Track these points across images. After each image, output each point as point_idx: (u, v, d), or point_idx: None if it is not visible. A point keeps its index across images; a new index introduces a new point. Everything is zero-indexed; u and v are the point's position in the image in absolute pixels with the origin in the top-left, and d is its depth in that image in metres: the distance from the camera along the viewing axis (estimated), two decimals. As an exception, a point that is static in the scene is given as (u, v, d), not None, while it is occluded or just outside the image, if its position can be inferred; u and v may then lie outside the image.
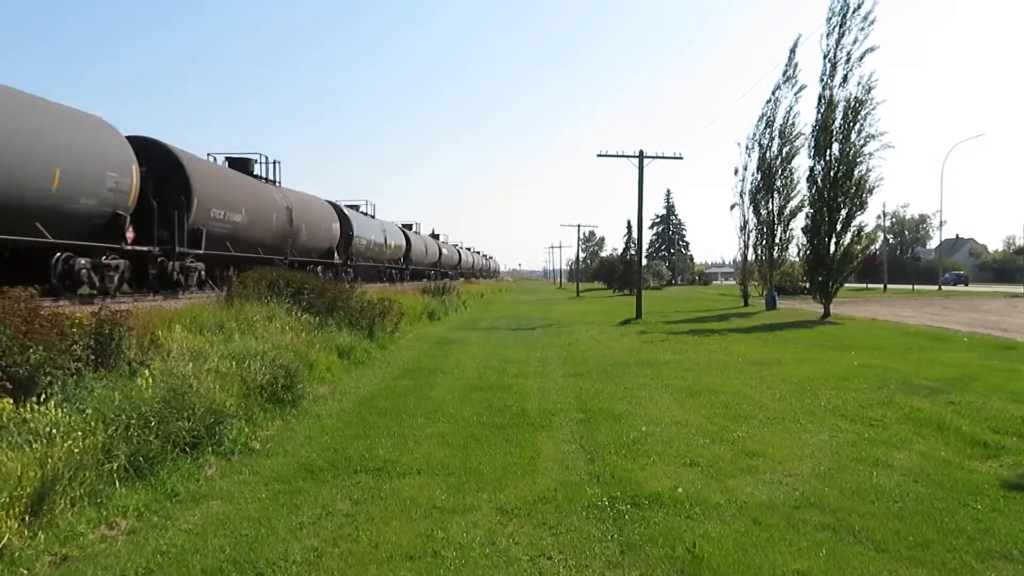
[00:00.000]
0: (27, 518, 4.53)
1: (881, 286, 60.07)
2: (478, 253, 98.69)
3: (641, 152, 28.36)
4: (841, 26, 24.50)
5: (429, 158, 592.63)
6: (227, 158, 22.50)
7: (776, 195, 32.61)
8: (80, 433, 5.30)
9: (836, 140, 24.95)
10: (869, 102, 24.29)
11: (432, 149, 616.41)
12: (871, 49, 24.13)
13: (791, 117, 31.29)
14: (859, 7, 24.05)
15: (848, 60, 24.59)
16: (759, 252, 34.80)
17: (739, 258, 39.59)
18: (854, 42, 24.38)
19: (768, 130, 32.37)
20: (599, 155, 28.80)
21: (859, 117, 24.47)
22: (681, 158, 28.72)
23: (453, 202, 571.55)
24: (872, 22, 23.93)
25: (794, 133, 31.15)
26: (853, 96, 24.53)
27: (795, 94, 30.87)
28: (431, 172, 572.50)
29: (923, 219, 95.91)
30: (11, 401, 5.55)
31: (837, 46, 24.79)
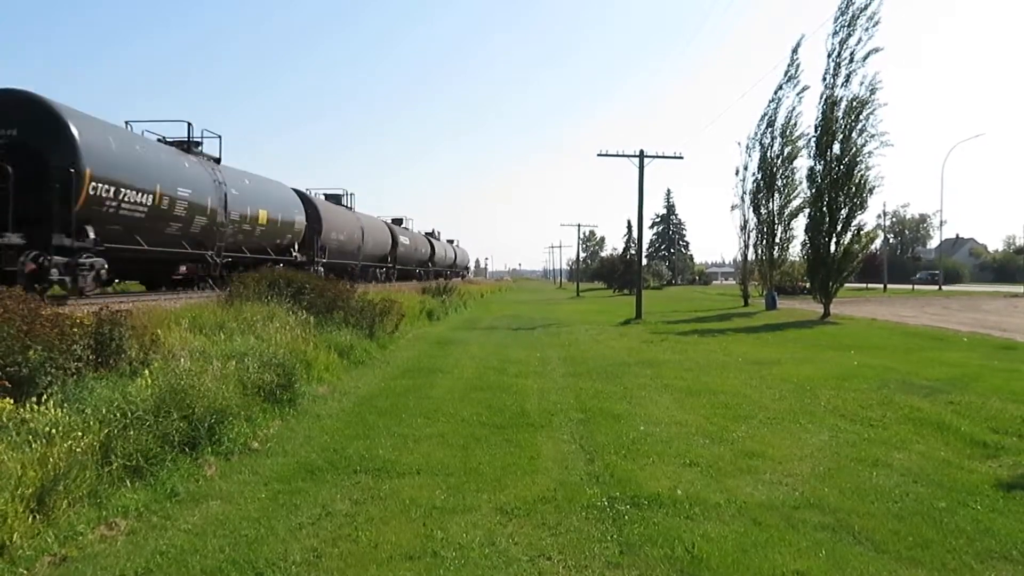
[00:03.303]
0: (28, 518, 4.53)
1: (881, 286, 60.04)
2: (450, 243, 71.04)
3: (641, 152, 28.36)
4: (848, 26, 24.45)
5: (429, 158, 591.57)
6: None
7: (777, 195, 32.62)
8: (80, 433, 5.29)
9: (837, 140, 24.95)
10: (872, 103, 24.31)
11: (432, 149, 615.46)
12: (876, 50, 24.12)
13: (793, 117, 31.30)
14: (866, 7, 24.05)
15: (852, 60, 24.58)
16: (759, 252, 34.80)
17: (739, 258, 39.60)
18: (858, 42, 24.39)
19: (769, 130, 32.36)
20: (599, 155, 28.82)
21: (861, 117, 24.47)
22: (681, 158, 28.73)
23: (453, 202, 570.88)
24: (877, 23, 23.93)
25: (795, 133, 31.16)
26: (856, 96, 24.54)
27: (797, 94, 30.86)
28: (431, 172, 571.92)
29: (923, 219, 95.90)
30: (11, 401, 5.55)
31: (842, 46, 24.78)
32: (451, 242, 71.85)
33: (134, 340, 8.06)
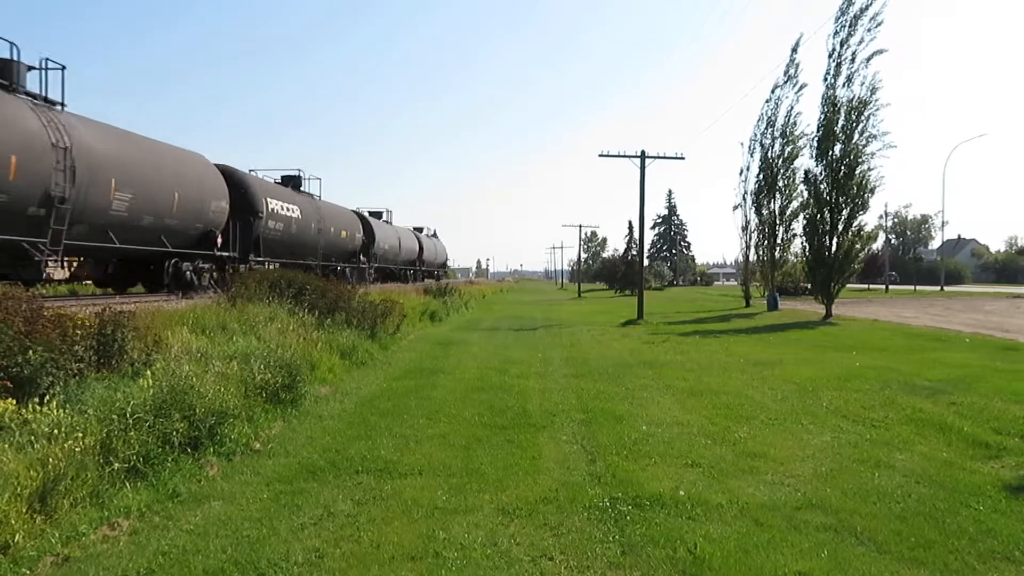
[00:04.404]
0: (30, 518, 4.54)
1: (883, 287, 59.93)
2: (419, 231, 50.23)
3: (643, 152, 28.35)
4: (850, 27, 24.38)
5: (429, 158, 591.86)
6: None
7: (778, 195, 32.62)
8: (81, 434, 5.30)
9: (839, 140, 24.90)
10: (873, 103, 24.26)
11: (432, 149, 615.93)
12: (879, 52, 24.00)
13: (792, 117, 31.26)
14: (867, 7, 23.99)
15: (853, 60, 24.45)
16: (761, 253, 34.78)
17: (741, 259, 39.57)
18: (860, 42, 24.32)
19: (770, 130, 32.31)
20: (601, 155, 28.79)
21: (862, 117, 24.42)
22: (683, 158, 28.71)
23: (453, 202, 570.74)
24: (880, 24, 23.81)
25: (795, 133, 31.13)
26: (857, 97, 24.48)
27: (796, 94, 30.83)
28: (431, 172, 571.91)
29: (925, 219, 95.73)
30: (13, 402, 5.55)
31: (843, 46, 24.69)
32: (420, 230, 50.73)
33: (137, 341, 8.06)
